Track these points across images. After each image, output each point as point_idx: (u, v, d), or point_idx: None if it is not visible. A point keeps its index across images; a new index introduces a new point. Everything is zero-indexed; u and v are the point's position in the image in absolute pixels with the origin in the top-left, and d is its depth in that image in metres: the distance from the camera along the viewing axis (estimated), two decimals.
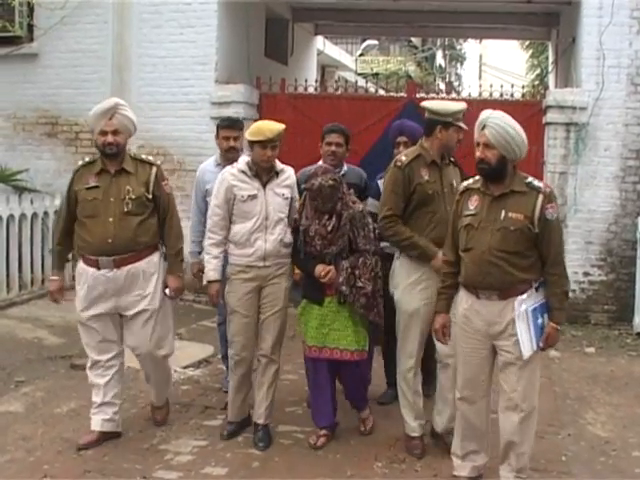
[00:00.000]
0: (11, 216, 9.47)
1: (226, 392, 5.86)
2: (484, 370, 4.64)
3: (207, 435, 5.59)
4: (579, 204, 9.45)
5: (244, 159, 5.49)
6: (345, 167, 6.03)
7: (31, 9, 10.83)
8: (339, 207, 5.21)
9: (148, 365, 5.55)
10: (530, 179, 4.50)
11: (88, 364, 5.48)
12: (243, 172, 5.41)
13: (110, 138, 5.19)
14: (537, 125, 9.53)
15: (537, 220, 4.38)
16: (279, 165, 5.49)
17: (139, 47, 10.43)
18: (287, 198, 5.44)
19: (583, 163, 9.48)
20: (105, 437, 5.39)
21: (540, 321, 4.44)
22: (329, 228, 5.18)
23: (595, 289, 9.49)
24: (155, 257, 5.39)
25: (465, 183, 4.73)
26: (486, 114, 4.48)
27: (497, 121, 4.42)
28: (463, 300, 4.64)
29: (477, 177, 4.62)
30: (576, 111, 9.45)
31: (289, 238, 5.40)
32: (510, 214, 4.41)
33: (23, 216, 9.66)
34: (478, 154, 4.46)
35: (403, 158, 5.21)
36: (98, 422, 5.39)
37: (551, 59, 14.72)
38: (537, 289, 4.46)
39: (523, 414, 4.50)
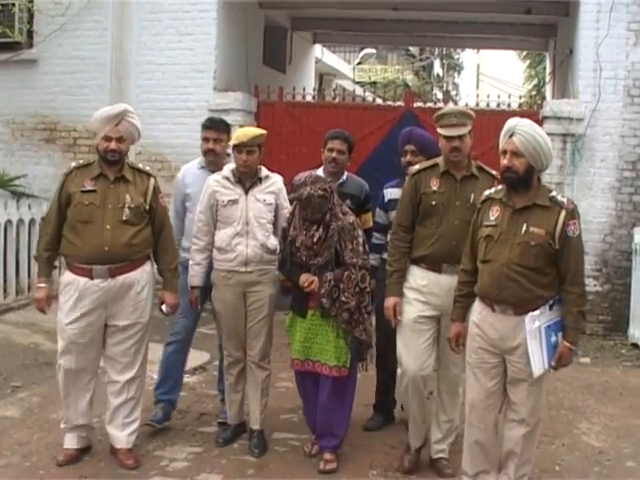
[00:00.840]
0: (9, 221, 9.52)
1: (148, 426, 5.62)
2: (493, 383, 4.53)
3: (202, 442, 5.59)
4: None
5: (229, 166, 5.51)
6: (345, 176, 5.88)
7: (31, 15, 10.88)
8: (327, 218, 5.11)
9: (121, 377, 5.20)
10: (554, 193, 4.41)
11: (62, 387, 5.18)
12: (227, 178, 5.45)
13: (114, 145, 5.01)
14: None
15: (558, 236, 4.28)
16: (264, 172, 5.50)
17: (138, 54, 10.48)
18: (270, 204, 5.44)
19: (579, 174, 9.52)
20: (83, 451, 5.27)
21: (554, 339, 4.33)
22: (315, 239, 5.09)
23: (590, 299, 9.47)
24: (147, 267, 5.22)
25: (487, 192, 4.61)
26: (514, 122, 4.37)
27: (526, 129, 4.32)
28: (477, 311, 4.55)
29: (499, 187, 4.54)
30: (573, 122, 9.50)
31: (273, 244, 5.41)
32: (532, 228, 4.30)
33: (21, 221, 9.71)
34: (505, 162, 4.34)
35: (416, 167, 5.15)
36: (73, 440, 5.23)
37: (548, 70, 14.79)
38: (552, 306, 4.35)
39: (529, 428, 4.47)
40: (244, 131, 5.46)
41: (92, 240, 4.97)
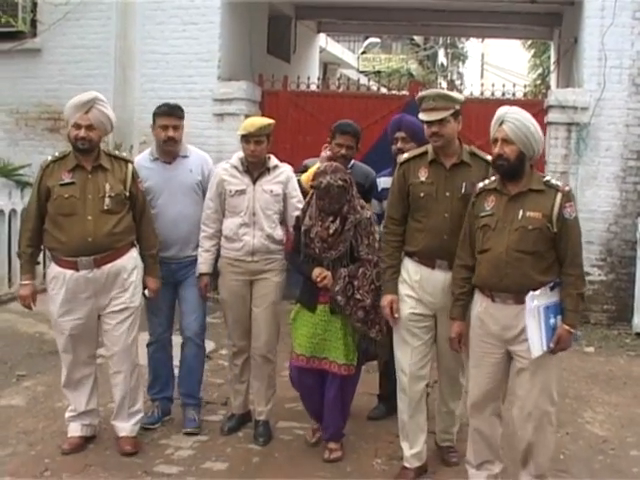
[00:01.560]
0: (13, 211, 9.54)
1: (146, 428, 5.55)
2: (496, 376, 4.48)
3: (208, 430, 5.60)
4: (580, 204, 9.39)
5: (238, 154, 5.49)
6: (351, 163, 5.73)
7: (34, 4, 10.89)
8: (345, 210, 4.99)
9: (122, 365, 5.22)
10: (548, 178, 4.42)
11: (64, 374, 5.27)
12: (235, 167, 5.43)
13: (83, 132, 4.96)
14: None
15: (555, 219, 4.25)
16: (273, 162, 5.46)
17: (142, 43, 10.47)
18: (277, 195, 5.40)
19: (584, 163, 9.51)
20: (88, 440, 5.30)
21: (553, 321, 4.28)
22: (331, 231, 4.97)
23: (595, 289, 9.50)
24: (134, 253, 5.22)
25: (480, 184, 4.50)
26: (504, 110, 4.35)
27: (516, 116, 4.30)
28: (477, 303, 4.48)
29: (493, 178, 4.47)
30: (577, 111, 9.49)
31: (279, 235, 5.40)
32: (528, 213, 4.26)
33: (25, 211, 9.68)
34: (496, 150, 4.31)
35: (405, 155, 4.97)
36: (77, 428, 5.25)
37: (553, 59, 14.73)
38: (552, 288, 4.30)
39: (536, 422, 4.37)
40: (251, 121, 5.43)
41: (75, 232, 4.97)
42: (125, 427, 5.25)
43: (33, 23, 10.95)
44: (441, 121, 4.68)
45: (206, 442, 5.41)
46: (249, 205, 5.35)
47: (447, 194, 4.73)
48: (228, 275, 5.46)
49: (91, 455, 5.14)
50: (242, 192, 5.37)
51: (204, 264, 5.49)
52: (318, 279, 4.98)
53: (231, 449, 5.32)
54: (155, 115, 5.56)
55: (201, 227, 5.51)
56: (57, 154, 5.23)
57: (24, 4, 10.82)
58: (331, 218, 5.00)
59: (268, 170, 5.41)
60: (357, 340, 5.06)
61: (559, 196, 4.27)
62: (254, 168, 5.40)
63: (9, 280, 9.47)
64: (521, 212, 4.28)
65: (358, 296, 4.97)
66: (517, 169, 4.32)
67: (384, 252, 4.94)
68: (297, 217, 5.21)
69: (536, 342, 4.25)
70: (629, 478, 5.16)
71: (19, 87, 10.93)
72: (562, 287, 4.33)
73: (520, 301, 4.27)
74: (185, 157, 5.63)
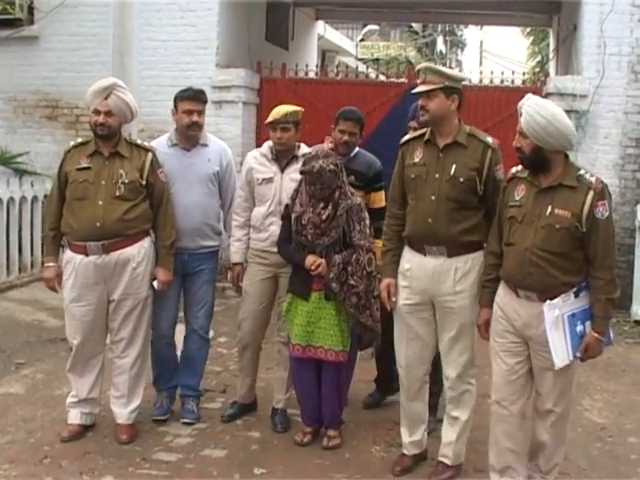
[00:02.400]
0: (11, 199, 9.51)
1: (156, 420, 5.51)
2: (519, 371, 4.27)
3: (207, 417, 5.61)
4: None
5: (269, 143, 5.43)
6: (354, 151, 5.57)
7: None
8: (337, 195, 4.96)
9: (125, 351, 5.22)
10: (582, 172, 4.09)
11: (70, 358, 5.25)
12: (264, 155, 5.40)
13: (102, 118, 4.98)
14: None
15: (585, 219, 3.98)
16: (303, 150, 5.36)
17: (140, 31, 10.42)
18: None
19: (583, 151, 9.48)
20: (87, 428, 5.29)
21: (580, 329, 4.06)
22: (323, 217, 4.93)
23: None
24: (146, 243, 5.16)
25: (513, 170, 4.30)
26: (524, 99, 4.13)
27: (529, 109, 4.05)
28: (501, 294, 4.30)
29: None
30: (576, 98, 9.47)
31: None
32: (557, 210, 4.02)
33: (23, 199, 9.70)
34: (514, 142, 4.14)
35: (406, 136, 4.87)
36: (77, 416, 5.24)
37: (552, 46, 14.69)
38: (577, 293, 4.07)
39: (554, 418, 4.24)
40: (278, 108, 5.34)
41: (85, 217, 4.97)
42: (122, 414, 5.24)
43: (30, 10, 10.89)
44: (428, 95, 4.53)
45: (205, 430, 5.42)
46: (276, 194, 5.30)
47: (436, 176, 4.55)
48: (254, 266, 5.42)
49: (90, 442, 5.14)
50: (269, 180, 5.32)
51: (236, 253, 5.47)
52: (312, 267, 4.95)
53: (230, 437, 5.33)
54: (178, 99, 5.47)
55: (233, 216, 5.50)
56: (80, 139, 5.26)
57: None
58: (322, 204, 4.96)
59: (297, 158, 5.31)
60: (351, 325, 5.05)
61: (591, 194, 3.99)
62: (283, 156, 5.35)
63: (7, 268, 9.46)
64: (549, 208, 4.05)
65: (352, 282, 4.94)
66: (536, 162, 4.10)
67: (385, 236, 4.87)
68: (286, 205, 5.16)
69: (560, 352, 4.05)
70: (627, 465, 5.17)
71: (17, 75, 10.88)
72: (591, 291, 4.11)
73: (544, 299, 4.08)
74: (205, 145, 5.53)
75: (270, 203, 5.31)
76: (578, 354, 4.07)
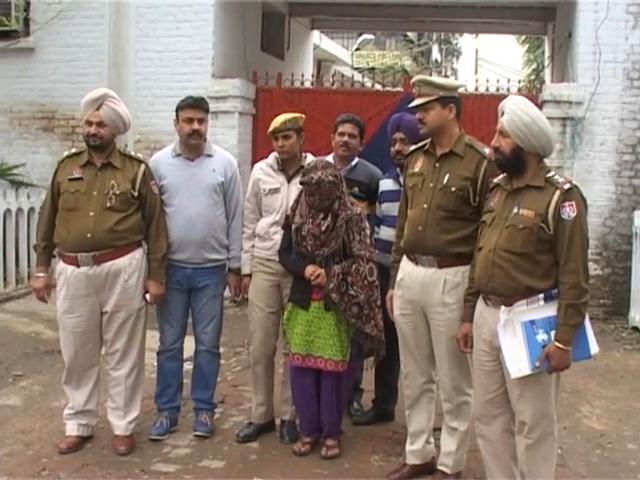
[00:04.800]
0: (8, 210, 9.52)
1: (154, 440, 5.38)
2: (494, 385, 4.14)
3: None
4: None
5: (275, 154, 5.41)
6: (355, 161, 5.64)
7: (27, 3, 10.83)
8: (336, 206, 4.98)
9: (120, 363, 5.20)
10: (552, 173, 4.01)
11: (64, 373, 5.23)
12: (270, 166, 5.40)
13: (94, 129, 4.98)
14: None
15: (551, 219, 3.87)
16: (309, 159, 5.33)
17: (136, 42, 10.44)
18: None
19: (579, 157, 9.52)
20: (85, 439, 5.27)
21: (544, 337, 3.87)
22: (323, 228, 4.96)
23: (591, 283, 9.28)
24: (137, 254, 5.14)
25: (495, 180, 4.23)
26: (506, 100, 4.08)
27: (513, 107, 3.99)
28: (477, 306, 4.22)
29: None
30: (572, 106, 9.49)
31: None
32: (522, 211, 3.93)
33: (20, 210, 9.70)
34: (493, 142, 4.06)
35: (413, 147, 4.86)
36: (74, 427, 5.23)
37: (547, 54, 14.74)
38: (547, 300, 3.92)
39: (531, 441, 4.00)
40: (278, 118, 5.33)
41: (76, 227, 4.97)
42: (120, 425, 5.22)
43: (26, 22, 10.90)
44: (424, 107, 4.53)
45: (203, 440, 5.40)
46: (282, 204, 5.29)
47: (431, 185, 4.55)
48: (259, 275, 5.41)
49: (88, 454, 5.12)
50: (276, 190, 5.32)
51: (246, 265, 5.47)
52: (312, 277, 4.95)
53: (228, 447, 5.31)
54: (179, 108, 5.40)
55: (243, 229, 5.51)
56: (74, 150, 5.27)
57: (17, 3, 10.77)
58: (322, 215, 4.98)
59: (303, 168, 5.23)
60: (352, 335, 5.04)
61: (557, 194, 3.89)
62: (289, 166, 5.34)
63: (4, 280, 9.45)
64: (515, 209, 3.97)
65: (352, 292, 4.95)
66: (514, 164, 4.01)
67: (393, 247, 4.91)
68: (286, 216, 5.17)
69: (517, 361, 3.89)
70: (627, 471, 5.15)
71: (13, 86, 10.88)
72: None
73: (511, 305, 3.96)
74: (209, 156, 5.47)
75: (276, 213, 5.30)
76: (537, 364, 3.87)
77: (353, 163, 5.64)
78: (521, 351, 3.89)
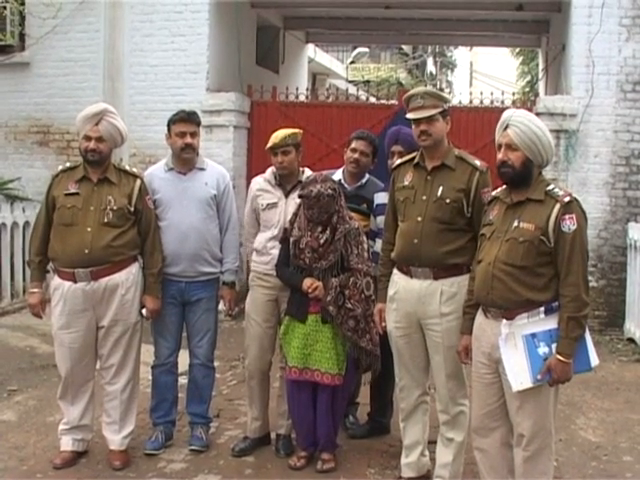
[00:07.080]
0: (3, 225, 9.53)
1: (149, 454, 5.35)
2: (492, 397, 4.13)
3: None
4: None
5: (272, 169, 5.42)
6: (366, 179, 5.62)
7: (22, 18, 10.87)
8: (335, 220, 4.99)
9: (115, 378, 5.18)
10: (552, 186, 4.01)
11: (60, 386, 5.22)
12: (268, 181, 5.40)
13: (93, 144, 4.96)
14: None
15: (552, 232, 3.88)
16: (307, 174, 5.33)
17: (131, 56, 10.46)
18: None
19: (573, 170, 9.53)
20: (80, 455, 5.25)
21: (545, 351, 3.87)
22: (321, 241, 4.96)
23: None
24: (134, 269, 5.14)
25: (494, 192, 4.27)
26: (509, 113, 4.05)
27: (522, 120, 3.98)
28: (476, 320, 4.21)
29: (505, 186, 4.17)
30: (566, 118, 9.52)
31: None
32: (522, 224, 3.94)
33: (15, 225, 9.71)
34: (500, 156, 4.02)
35: (398, 160, 4.91)
36: (69, 442, 5.20)
37: (541, 66, 14.80)
38: (547, 313, 3.92)
39: (528, 453, 4.00)
40: (277, 133, 5.33)
41: (73, 243, 4.95)
42: (115, 440, 5.21)
43: (21, 37, 10.95)
44: (430, 119, 4.53)
45: (199, 455, 5.38)
46: (280, 219, 5.29)
47: (424, 197, 4.57)
48: (256, 289, 5.41)
49: (83, 469, 5.10)
50: (274, 205, 5.33)
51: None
52: (309, 290, 4.96)
53: (224, 461, 5.29)
54: (171, 122, 5.41)
55: (244, 243, 5.55)
56: (69, 164, 5.26)
57: (12, 18, 10.82)
58: (320, 228, 4.99)
59: (301, 183, 5.24)
60: (347, 349, 5.05)
61: (557, 207, 3.89)
62: (286, 181, 5.35)
63: None
64: (516, 222, 3.98)
65: (349, 305, 4.96)
66: (523, 177, 4.00)
67: (380, 261, 4.91)
68: (285, 229, 5.18)
69: (519, 374, 3.89)
70: None
71: (8, 101, 10.90)
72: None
73: (511, 318, 3.96)
74: (202, 169, 5.47)
75: (274, 228, 5.31)
76: (539, 377, 3.88)
77: (364, 180, 5.63)
78: (523, 364, 3.90)
